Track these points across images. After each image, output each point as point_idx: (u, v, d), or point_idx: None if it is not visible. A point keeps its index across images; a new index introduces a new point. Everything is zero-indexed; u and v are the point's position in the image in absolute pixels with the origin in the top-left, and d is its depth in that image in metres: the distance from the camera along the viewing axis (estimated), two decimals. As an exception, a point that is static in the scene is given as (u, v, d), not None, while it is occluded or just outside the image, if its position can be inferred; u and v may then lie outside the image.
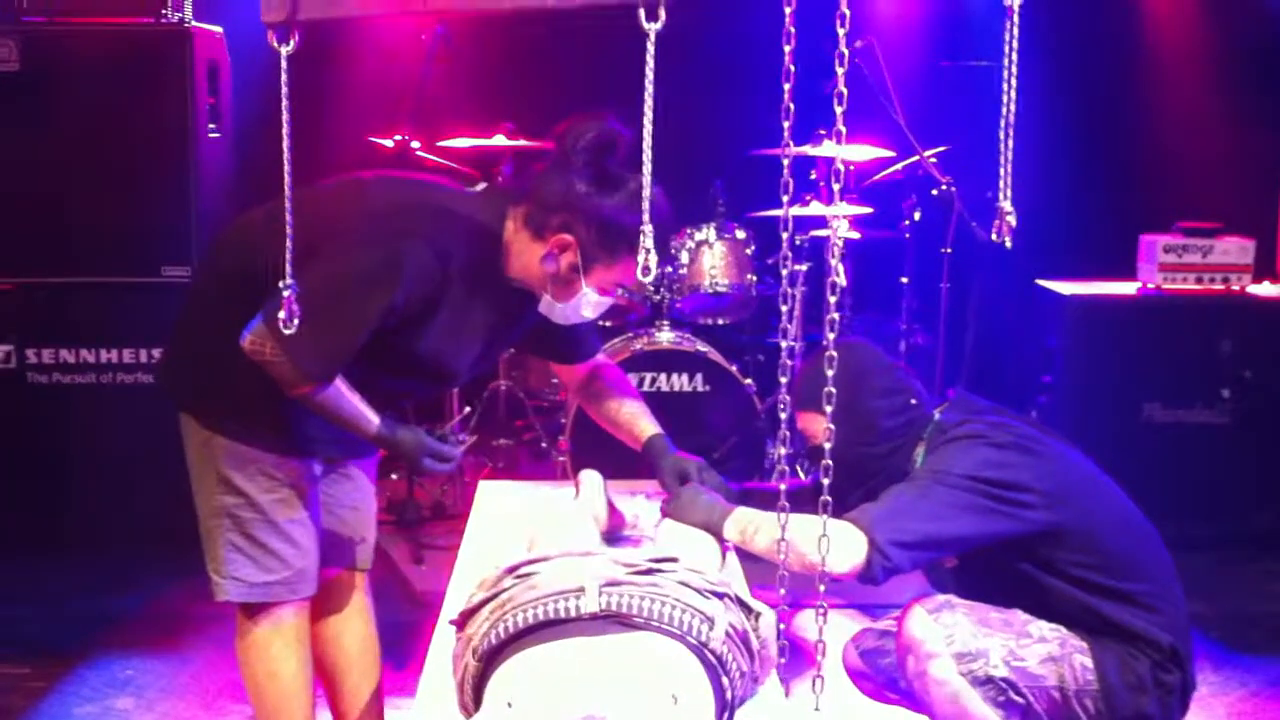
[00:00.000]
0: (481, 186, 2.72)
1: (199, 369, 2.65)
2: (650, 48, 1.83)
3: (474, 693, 2.01)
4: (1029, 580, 2.61)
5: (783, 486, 2.25)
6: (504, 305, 2.67)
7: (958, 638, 2.54)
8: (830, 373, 2.09)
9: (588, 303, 2.63)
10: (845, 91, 2.03)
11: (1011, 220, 2.10)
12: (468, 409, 2.94)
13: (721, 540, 2.64)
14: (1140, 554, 2.68)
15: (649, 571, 2.06)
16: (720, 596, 2.09)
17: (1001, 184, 2.11)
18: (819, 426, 2.69)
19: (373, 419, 2.60)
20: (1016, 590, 2.62)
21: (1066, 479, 2.65)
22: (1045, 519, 2.56)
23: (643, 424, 2.98)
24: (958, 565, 2.73)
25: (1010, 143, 2.09)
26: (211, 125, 4.79)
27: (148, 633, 4.08)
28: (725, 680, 2.01)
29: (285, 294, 2.14)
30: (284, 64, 2.06)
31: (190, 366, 2.69)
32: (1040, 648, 2.55)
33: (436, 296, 2.53)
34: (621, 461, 3.40)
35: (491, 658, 1.98)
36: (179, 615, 4.21)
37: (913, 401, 2.77)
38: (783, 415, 2.25)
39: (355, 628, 2.98)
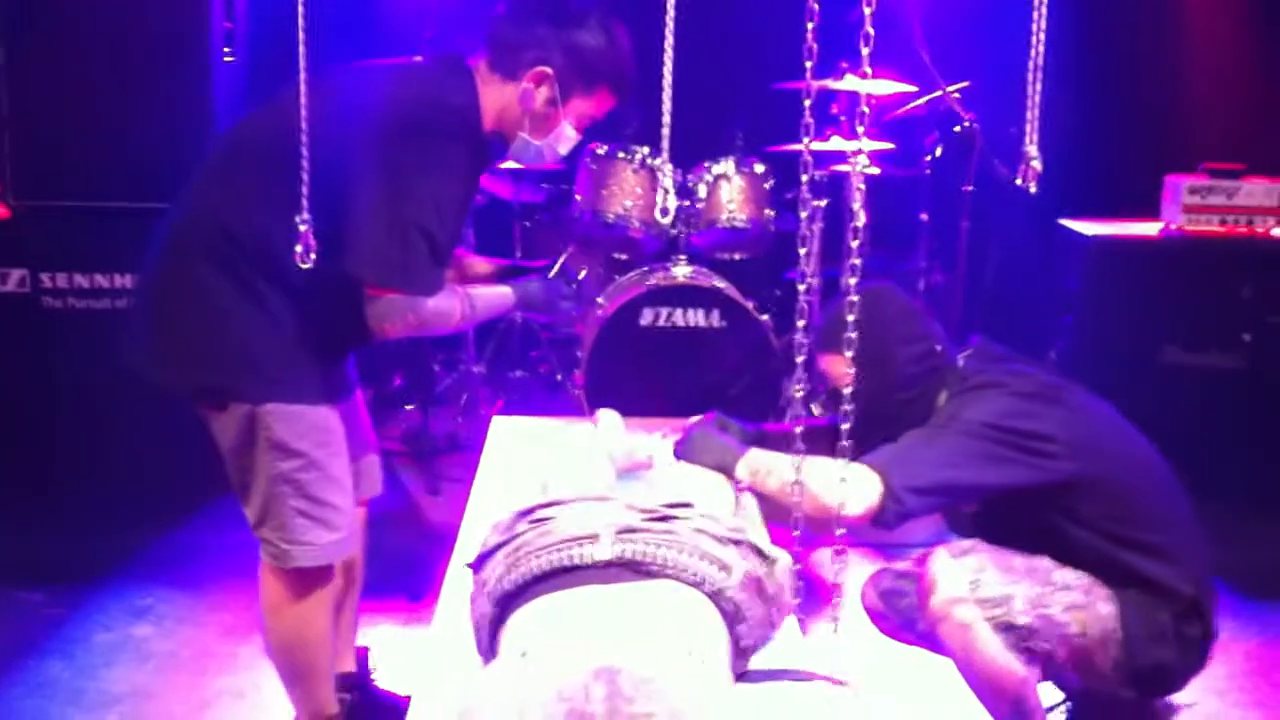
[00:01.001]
0: (419, 59, 2.73)
1: (230, 347, 2.54)
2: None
3: (489, 637, 2.01)
4: (1051, 530, 2.60)
5: (798, 429, 2.24)
6: (478, 170, 2.71)
7: (983, 583, 2.53)
8: (851, 317, 2.07)
9: (564, 137, 2.67)
10: (872, 32, 1.99)
11: (1037, 165, 2.07)
12: (564, 255, 3.04)
13: (735, 481, 2.63)
14: (1163, 505, 2.67)
15: (664, 518, 2.05)
16: (736, 543, 2.08)
17: (1028, 128, 2.07)
18: (840, 369, 2.67)
19: (506, 290, 2.79)
20: (1038, 539, 2.61)
21: (1089, 429, 2.63)
22: (1067, 469, 2.54)
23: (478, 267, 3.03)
24: (979, 512, 2.72)
25: (1038, 85, 2.05)
26: (227, 49, 4.74)
27: (167, 562, 4.10)
28: (741, 627, 2.00)
29: (302, 229, 2.14)
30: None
31: (217, 349, 2.55)
32: (1064, 595, 2.55)
33: (464, 182, 2.58)
34: (636, 398, 3.41)
35: (507, 603, 1.98)
36: (198, 545, 4.23)
37: (937, 348, 2.75)
38: (799, 360, 2.24)
39: (355, 560, 3.00)
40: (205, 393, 2.59)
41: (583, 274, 3.05)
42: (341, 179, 2.40)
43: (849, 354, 2.09)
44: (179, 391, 2.63)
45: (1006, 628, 2.51)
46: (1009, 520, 2.65)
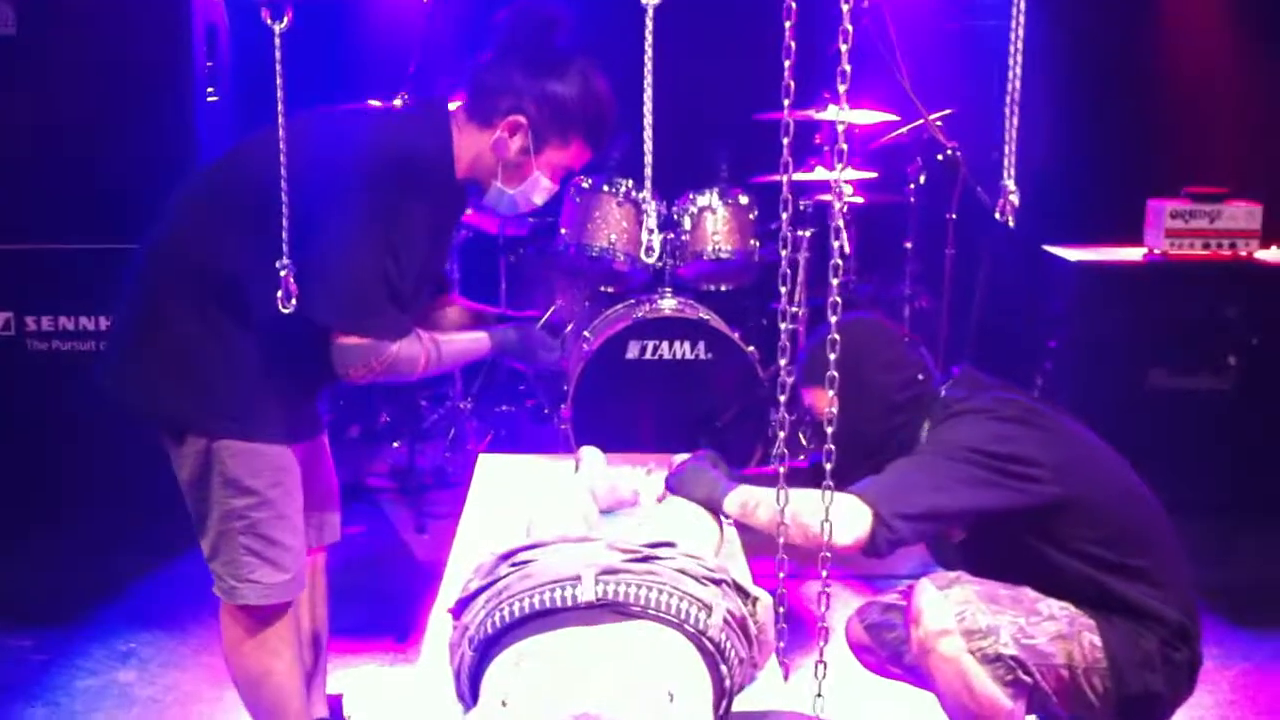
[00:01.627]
0: (400, 101, 2.71)
1: (190, 380, 2.56)
2: (650, 11, 1.81)
3: (470, 682, 2.00)
4: (1036, 556, 2.59)
5: (782, 470, 2.23)
6: (453, 217, 2.71)
7: (968, 615, 2.53)
8: (833, 356, 2.07)
9: (539, 187, 2.63)
10: (848, 69, 1.99)
11: (1014, 200, 2.07)
12: (554, 307, 2.98)
13: (721, 516, 2.62)
14: (1146, 529, 2.67)
15: (646, 559, 2.05)
16: (718, 583, 2.07)
17: (1006, 161, 2.07)
18: (823, 402, 2.67)
19: (481, 336, 2.75)
20: (1023, 565, 2.60)
21: (1072, 453, 2.63)
22: (1051, 493, 2.54)
23: (460, 315, 2.95)
24: (965, 540, 2.71)
25: (1015, 120, 2.06)
26: (210, 89, 4.74)
27: (150, 604, 4.07)
28: (724, 668, 1.99)
29: (282, 274, 2.14)
30: (278, 42, 2.04)
31: (178, 382, 2.56)
32: (1050, 625, 2.54)
33: (428, 229, 2.54)
34: (624, 431, 3.40)
35: (488, 648, 1.96)
36: (182, 586, 4.20)
37: (920, 377, 2.75)
38: (782, 399, 2.23)
39: (318, 605, 3.00)
40: (164, 423, 2.60)
41: (569, 328, 3.00)
42: (307, 223, 2.36)
43: (830, 391, 2.08)
44: (141, 420, 2.65)
45: (993, 659, 2.50)
46: (993, 548, 2.65)
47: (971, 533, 2.68)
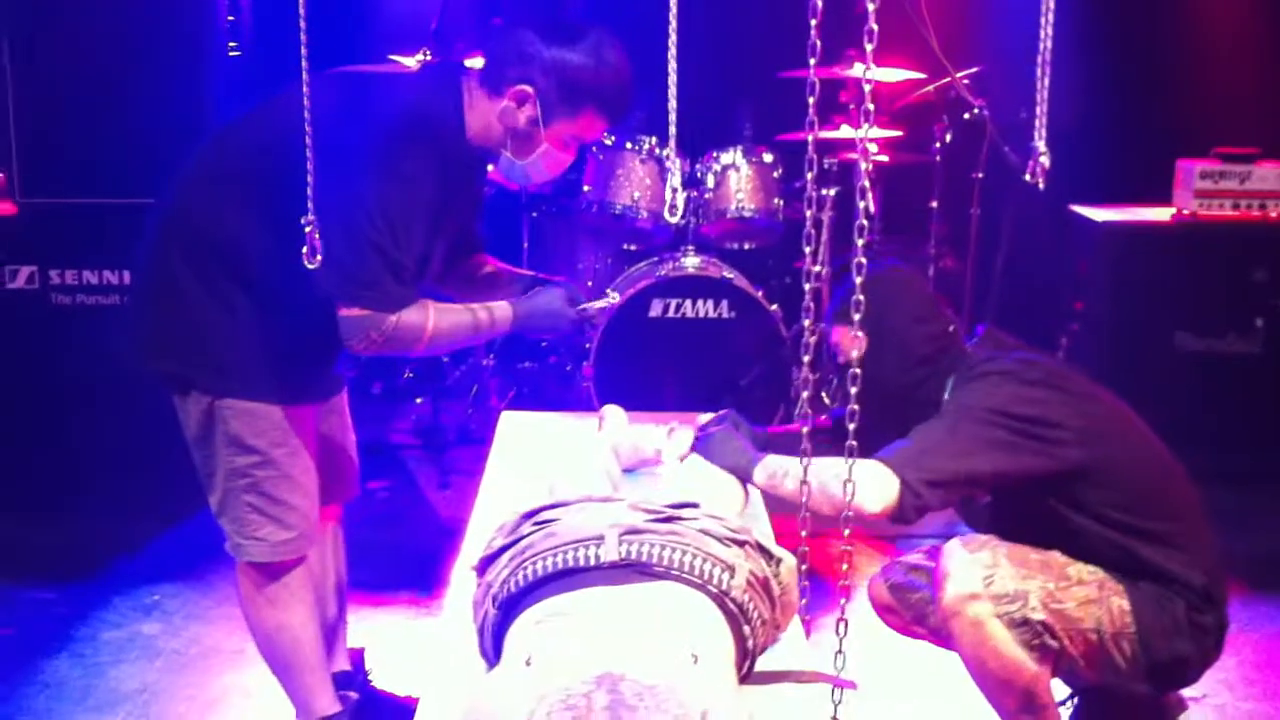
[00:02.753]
0: (418, 60, 2.67)
1: (194, 340, 2.57)
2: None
3: (494, 640, 2.00)
4: (1060, 519, 2.58)
5: (805, 430, 2.22)
6: (466, 182, 2.65)
7: (997, 579, 2.52)
8: (857, 316, 2.05)
9: (548, 158, 2.58)
10: (875, 27, 1.96)
11: (1045, 161, 2.05)
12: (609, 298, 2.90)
13: (748, 483, 2.62)
14: (1170, 493, 2.65)
15: (669, 519, 2.04)
16: (741, 544, 2.07)
17: (1038, 123, 2.05)
18: (849, 342, 2.67)
19: (502, 316, 2.65)
20: (1049, 529, 2.59)
21: (1096, 417, 2.61)
22: (1075, 456, 2.52)
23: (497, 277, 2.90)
24: (991, 502, 2.70)
25: (1046, 80, 2.03)
26: (232, 44, 4.73)
27: (174, 558, 4.10)
28: (746, 629, 1.99)
29: (307, 230, 2.13)
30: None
31: (183, 340, 2.59)
32: (1079, 590, 2.53)
33: (433, 196, 2.50)
34: (646, 390, 3.39)
35: (511, 606, 1.96)
36: (206, 540, 4.18)
37: (949, 329, 2.73)
38: (806, 359, 2.22)
39: (337, 560, 3.01)
40: (170, 379, 2.62)
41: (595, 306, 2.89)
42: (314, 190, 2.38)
43: (855, 351, 2.07)
44: (148, 375, 2.66)
45: (1020, 623, 2.49)
46: (1019, 511, 2.64)
47: (997, 496, 2.67)
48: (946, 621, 2.58)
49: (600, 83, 2.50)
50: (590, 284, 4.39)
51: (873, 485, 2.42)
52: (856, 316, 2.03)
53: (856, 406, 2.13)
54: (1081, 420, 2.56)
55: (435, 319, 2.55)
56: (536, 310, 2.70)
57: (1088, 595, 2.54)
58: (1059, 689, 2.84)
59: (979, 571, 2.52)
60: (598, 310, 2.80)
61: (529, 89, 2.49)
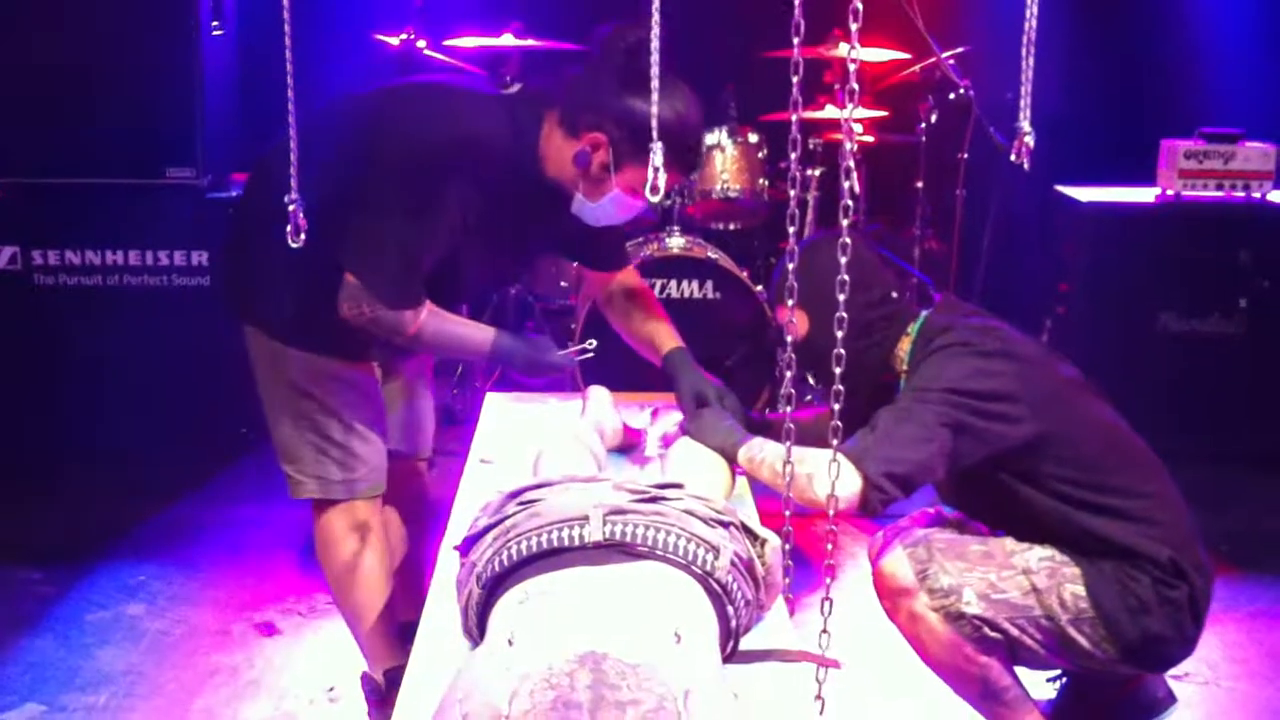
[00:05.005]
0: (516, 87, 2.69)
1: (260, 285, 2.72)
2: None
3: (478, 619, 2.00)
4: (1013, 494, 2.56)
5: (789, 424, 2.23)
6: (537, 206, 2.68)
7: (931, 573, 2.53)
8: (843, 297, 2.05)
9: (618, 203, 2.64)
10: (860, 6, 1.96)
11: (1030, 141, 2.05)
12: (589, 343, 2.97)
13: (734, 464, 2.62)
14: (1127, 466, 2.62)
15: (653, 499, 2.04)
16: (725, 525, 2.08)
17: (1022, 103, 2.04)
18: (795, 320, 2.66)
19: (485, 338, 2.72)
20: (1004, 507, 2.59)
21: (1050, 386, 2.59)
22: (1028, 431, 2.50)
23: (662, 337, 2.96)
24: (948, 479, 2.68)
25: (1031, 60, 2.03)
26: (215, 22, 4.70)
27: (159, 539, 4.10)
28: (730, 609, 2.00)
29: (290, 208, 2.14)
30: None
31: (252, 283, 2.76)
32: (1023, 579, 2.53)
33: (475, 206, 2.59)
34: (631, 371, 3.37)
35: (495, 585, 1.97)
36: (191, 522, 4.23)
37: (893, 295, 2.71)
38: (790, 339, 2.22)
39: (415, 514, 3.14)
40: (252, 320, 2.76)
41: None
42: (361, 181, 2.56)
43: (840, 331, 2.07)
44: (234, 315, 2.80)
45: (958, 617, 2.51)
46: (974, 488, 2.62)
47: (950, 473, 2.66)
48: (894, 621, 2.60)
49: (671, 135, 2.51)
50: (576, 266, 4.33)
51: (837, 481, 2.41)
52: (832, 325, 2.04)
53: (840, 387, 2.13)
54: (1035, 390, 2.54)
55: (425, 318, 2.62)
56: (517, 349, 2.77)
57: (1033, 584, 2.53)
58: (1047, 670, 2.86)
59: (911, 567, 2.54)
60: (576, 357, 2.92)
61: (601, 136, 2.55)
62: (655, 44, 1.93)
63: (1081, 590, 2.53)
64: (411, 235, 2.55)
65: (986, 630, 2.50)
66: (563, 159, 2.60)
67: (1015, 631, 2.52)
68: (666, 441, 2.84)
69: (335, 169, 2.52)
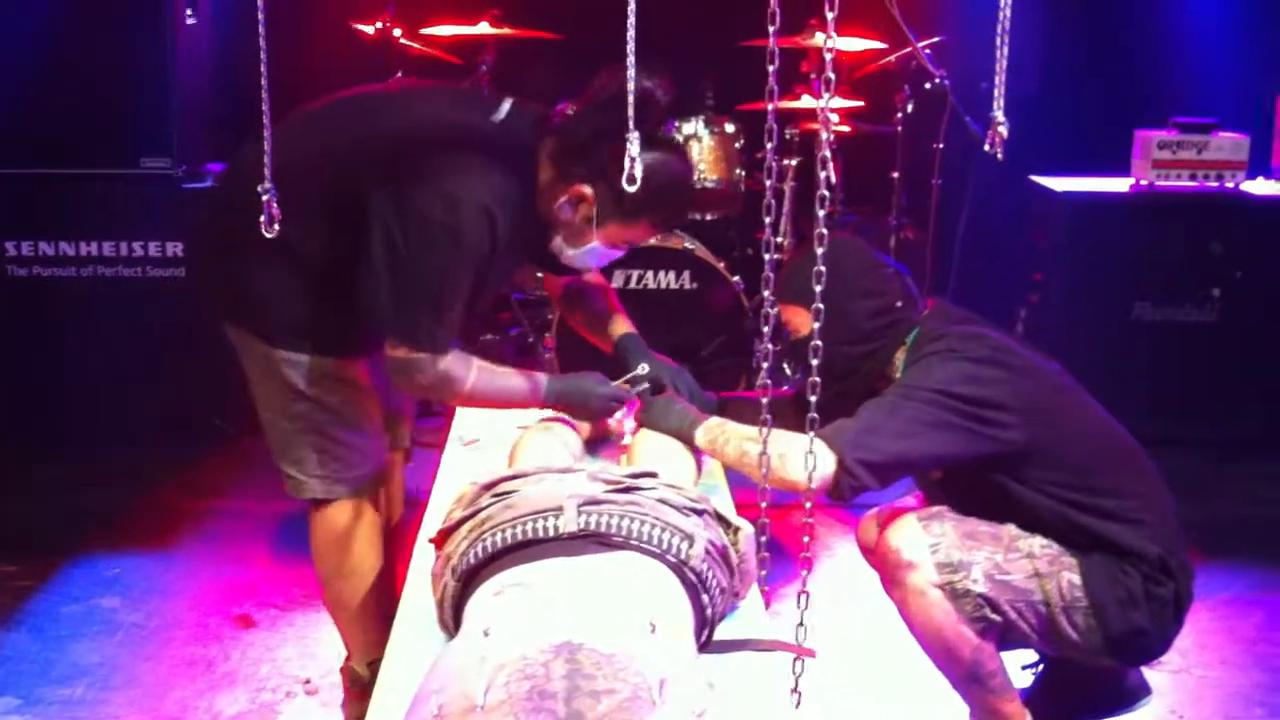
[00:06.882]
0: (505, 108, 2.63)
1: (249, 287, 2.64)
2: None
3: (453, 612, 2.00)
4: (1007, 494, 2.58)
5: (765, 399, 2.23)
6: (531, 231, 2.63)
7: (942, 548, 2.53)
8: (819, 288, 2.06)
9: (595, 254, 2.63)
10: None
11: (1003, 131, 2.05)
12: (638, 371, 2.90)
13: (695, 449, 2.62)
14: (1119, 468, 2.65)
15: (628, 489, 2.05)
16: (699, 513, 2.08)
17: (996, 92, 2.05)
18: (800, 320, 2.66)
19: (536, 386, 2.68)
20: (999, 505, 2.60)
21: (1040, 394, 2.60)
22: (1019, 438, 2.52)
23: (615, 324, 2.95)
24: (944, 479, 2.71)
25: (1005, 50, 2.03)
26: (189, 11, 4.68)
27: (135, 531, 4.08)
28: (705, 598, 2.00)
29: (264, 198, 2.13)
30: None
31: (240, 285, 2.66)
32: (1027, 563, 2.54)
33: (496, 246, 2.52)
34: (608, 361, 3.37)
35: (470, 578, 1.97)
36: (167, 513, 4.21)
37: (897, 304, 2.72)
38: (766, 330, 2.23)
39: (397, 503, 3.11)
40: (238, 316, 2.69)
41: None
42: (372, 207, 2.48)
43: (817, 323, 2.08)
44: (219, 317, 2.73)
45: (963, 594, 2.51)
46: (970, 487, 2.64)
47: (947, 472, 2.68)
48: (891, 593, 2.60)
49: (659, 198, 2.51)
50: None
51: (810, 462, 2.42)
52: (816, 319, 2.04)
53: (817, 379, 2.15)
54: (1025, 399, 2.55)
55: (476, 376, 2.60)
56: (571, 389, 2.73)
57: (1036, 568, 2.54)
58: (1027, 656, 2.87)
59: (924, 539, 2.54)
60: (630, 386, 2.81)
61: (588, 191, 2.51)
62: (631, 30, 1.92)
63: (1078, 579, 2.54)
64: (453, 300, 2.49)
65: (987, 611, 2.51)
66: (549, 198, 2.56)
67: (1013, 615, 2.53)
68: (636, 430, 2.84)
69: (347, 200, 2.48)
